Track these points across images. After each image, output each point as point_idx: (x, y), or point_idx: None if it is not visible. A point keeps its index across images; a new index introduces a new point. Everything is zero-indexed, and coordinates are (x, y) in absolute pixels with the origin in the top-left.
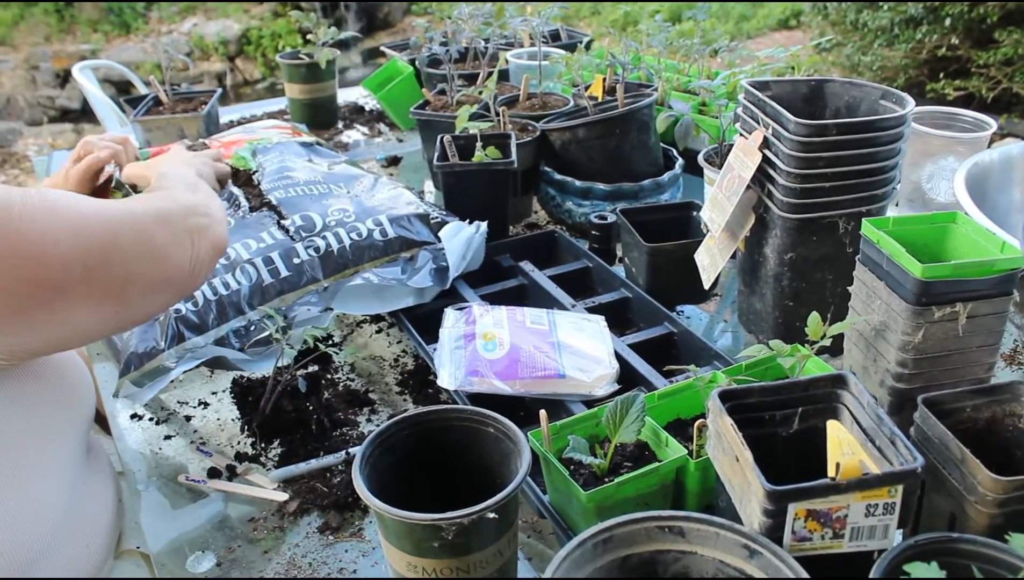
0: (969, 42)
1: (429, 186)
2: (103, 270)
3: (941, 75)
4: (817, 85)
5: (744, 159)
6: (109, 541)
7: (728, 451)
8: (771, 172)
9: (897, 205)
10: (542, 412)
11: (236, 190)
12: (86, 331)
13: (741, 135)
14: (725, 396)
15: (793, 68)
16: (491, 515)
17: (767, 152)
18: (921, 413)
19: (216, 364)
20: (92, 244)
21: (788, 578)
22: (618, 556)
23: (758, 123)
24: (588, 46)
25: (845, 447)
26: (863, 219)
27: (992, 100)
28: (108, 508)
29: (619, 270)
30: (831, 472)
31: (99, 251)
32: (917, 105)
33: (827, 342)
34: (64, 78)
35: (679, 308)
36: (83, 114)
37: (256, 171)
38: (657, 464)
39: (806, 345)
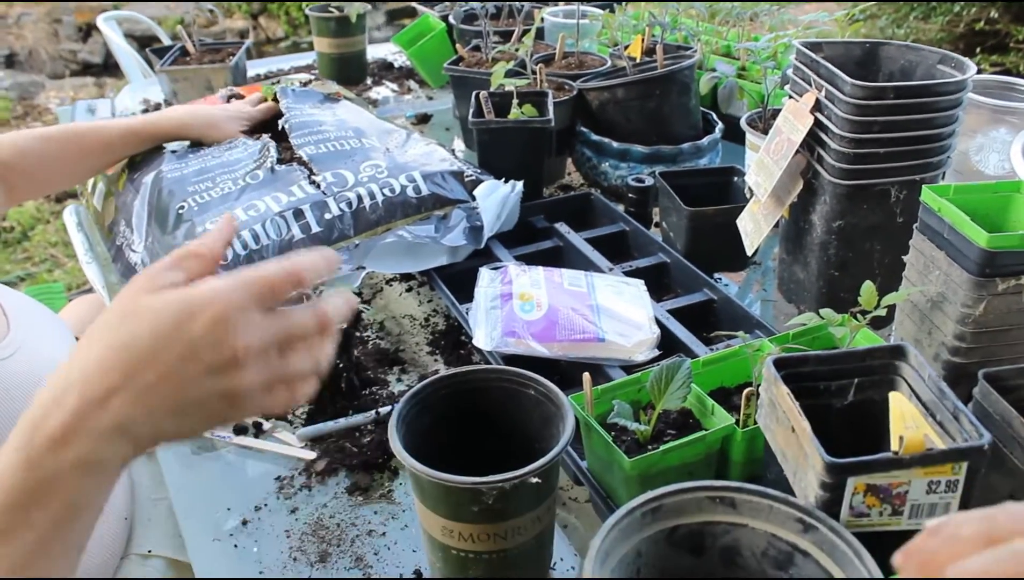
0: (1009, 16)
1: (459, 145)
2: None
3: (978, 49)
4: (871, 48)
5: (794, 122)
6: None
7: (783, 421)
8: (822, 136)
9: (944, 176)
10: (586, 375)
11: (268, 139)
12: None
13: (791, 97)
14: (780, 364)
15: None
16: (534, 480)
17: (819, 115)
18: (982, 388)
19: None
20: None
21: (845, 554)
22: (666, 526)
23: (810, 85)
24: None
25: (908, 420)
26: (923, 186)
27: None
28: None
29: (656, 234)
30: (894, 445)
31: None
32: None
33: (881, 312)
34: (87, 32)
35: (716, 276)
36: (105, 68)
37: (283, 116)
38: (704, 432)
39: (856, 315)
